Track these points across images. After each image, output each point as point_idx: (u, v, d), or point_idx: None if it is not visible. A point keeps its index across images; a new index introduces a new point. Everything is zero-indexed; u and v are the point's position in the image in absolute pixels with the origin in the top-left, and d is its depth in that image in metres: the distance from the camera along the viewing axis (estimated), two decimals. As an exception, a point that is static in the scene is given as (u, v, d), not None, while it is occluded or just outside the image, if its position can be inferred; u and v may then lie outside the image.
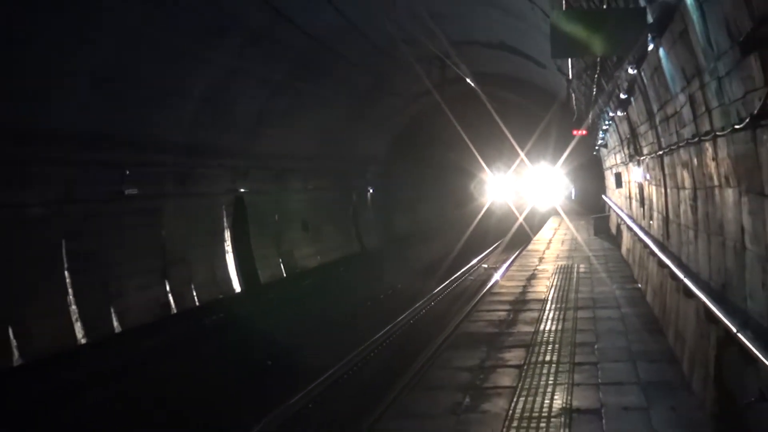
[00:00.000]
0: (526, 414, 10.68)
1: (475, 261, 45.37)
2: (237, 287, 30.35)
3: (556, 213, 52.02)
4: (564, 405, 11.00)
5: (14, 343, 19.03)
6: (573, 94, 28.38)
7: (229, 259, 30.47)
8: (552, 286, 22.59)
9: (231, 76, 26.50)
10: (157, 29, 21.55)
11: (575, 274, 25.15)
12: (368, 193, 48.39)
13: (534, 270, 27.36)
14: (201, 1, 20.46)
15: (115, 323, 22.72)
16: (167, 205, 26.28)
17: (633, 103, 16.44)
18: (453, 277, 39.90)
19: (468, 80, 32.15)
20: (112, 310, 22.74)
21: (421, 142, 49.11)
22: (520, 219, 50.16)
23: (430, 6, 25.70)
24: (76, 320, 21.32)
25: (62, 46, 19.40)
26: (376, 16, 26.16)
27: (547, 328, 16.67)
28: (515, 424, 10.13)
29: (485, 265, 43.95)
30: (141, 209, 24.74)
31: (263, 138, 32.00)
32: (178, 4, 20.69)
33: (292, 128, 34.25)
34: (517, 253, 36.06)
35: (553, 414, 10.61)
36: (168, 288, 25.86)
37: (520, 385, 12.20)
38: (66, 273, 21.24)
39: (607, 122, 23.82)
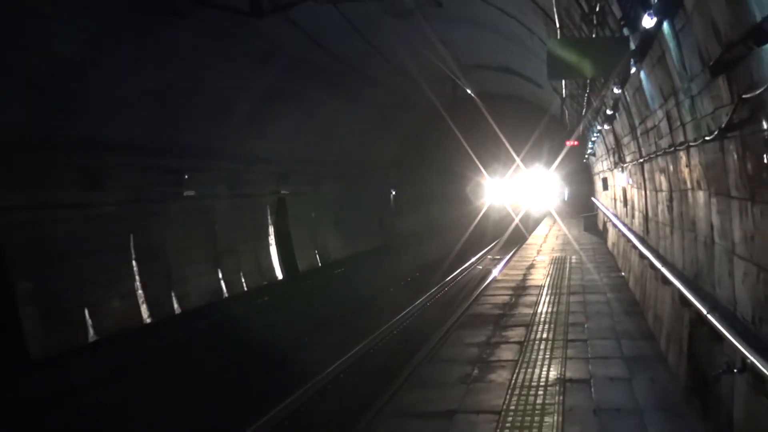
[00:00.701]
0: (526, 383, 10.71)
1: (480, 254, 45.29)
2: (279, 275, 30.44)
3: (550, 215, 51.10)
4: (559, 376, 11.02)
5: (89, 322, 19.14)
6: (566, 110, 28.32)
7: (272, 250, 30.62)
8: (548, 274, 22.56)
9: (273, 96, 26.61)
10: (214, 57, 21.68)
11: (568, 264, 25.13)
12: (391, 195, 48.53)
13: (533, 260, 27.35)
14: (251, 34, 20.53)
15: (176, 305, 22.86)
16: (219, 205, 26.43)
17: (618, 118, 16.41)
18: (462, 267, 40.13)
19: (473, 95, 32.11)
20: (172, 294, 22.86)
21: (427, 150, 49.05)
22: (516, 220, 49.57)
23: (442, 34, 25.70)
24: (142, 303, 21.46)
25: (137, 70, 19.56)
26: (396, 42, 26.18)
27: (544, 310, 16.68)
28: (517, 391, 10.16)
29: (490, 256, 43.97)
30: (197, 208, 24.88)
31: (300, 147, 32.11)
32: (234, 36, 20.81)
33: (325, 138, 34.40)
34: (518, 247, 35.98)
35: (549, 383, 10.63)
36: (220, 275, 25.99)
37: (521, 358, 12.22)
38: (134, 262, 21.40)
39: (595, 134, 23.76)
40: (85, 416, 15.67)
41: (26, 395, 15.65)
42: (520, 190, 62.61)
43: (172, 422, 15.89)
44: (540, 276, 22.55)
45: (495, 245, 47.04)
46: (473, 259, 43.71)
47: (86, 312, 19.00)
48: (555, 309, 16.74)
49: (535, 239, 37.94)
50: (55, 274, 18.23)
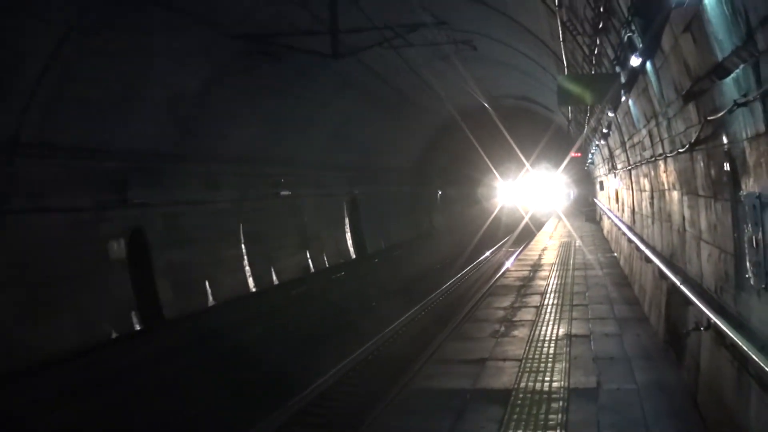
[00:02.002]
0: (541, 338, 10.71)
1: (501, 243, 44.47)
2: (353, 255, 30.92)
3: (557, 213, 48.52)
4: (566, 332, 11.00)
5: (209, 291, 19.47)
6: (571, 129, 28.09)
7: (348, 236, 31.05)
8: (558, 255, 22.47)
9: (348, 118, 26.90)
10: (301, 89, 21.91)
11: (573, 247, 24.99)
12: (438, 194, 48.53)
13: (546, 245, 27.23)
14: (330, 71, 20.76)
15: (274, 278, 23.12)
16: (307, 202, 26.74)
17: (611, 135, 16.29)
18: (491, 251, 39.96)
19: (495, 119, 32.00)
20: (272, 269, 23.12)
21: (458, 160, 48.46)
22: (526, 218, 47.58)
23: (475, 72, 25.69)
24: (249, 276, 21.76)
25: (243, 100, 19.85)
26: (440, 78, 26.23)
27: (554, 282, 16.64)
28: (534, 344, 10.20)
29: (510, 242, 43.51)
30: (290, 204, 25.18)
31: (371, 157, 32.65)
32: (317, 73, 21.04)
33: (390, 152, 34.86)
34: (534, 236, 35.58)
35: (559, 338, 10.63)
36: (308, 255, 26.27)
37: (537, 319, 12.23)
38: (242, 245, 21.70)
39: (594, 147, 23.56)
40: (210, 357, 15.91)
41: (162, 344, 15.95)
42: (529, 192, 59.97)
43: (289, 352, 16.66)
44: (552, 255, 22.47)
45: (514, 235, 45.93)
46: (496, 246, 43.07)
47: (206, 283, 19.34)
48: (562, 281, 16.70)
49: (547, 228, 37.77)
50: (182, 254, 18.59)
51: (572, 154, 33.07)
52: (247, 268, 21.96)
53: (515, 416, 7.09)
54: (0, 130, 12.56)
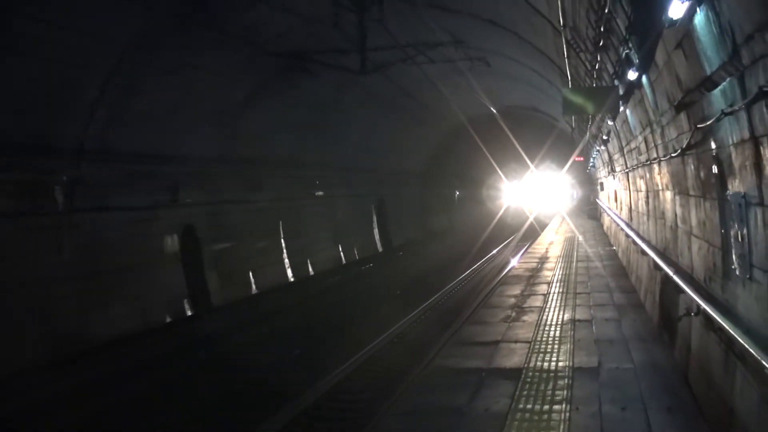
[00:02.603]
0: (549, 322, 10.68)
1: (510, 238, 42.98)
2: (380, 248, 31.14)
3: (561, 213, 45.07)
4: (570, 317, 10.94)
5: (253, 280, 19.69)
6: (574, 135, 27.92)
7: (375, 232, 31.20)
8: (563, 249, 22.35)
9: (373, 127, 26.99)
10: (333, 100, 22.04)
11: (576, 241, 24.83)
12: (456, 194, 48.42)
13: (552, 240, 27.09)
14: (358, 84, 20.85)
15: (310, 269, 23.41)
16: (339, 201, 26.86)
17: (611, 141, 16.20)
18: (502, 245, 39.24)
19: (504, 125, 31.78)
20: (308, 261, 23.34)
21: (467, 164, 47.89)
22: (531, 218, 44.50)
23: (488, 85, 25.63)
24: (287, 267, 21.96)
25: (281, 109, 19.99)
26: (456, 90, 26.28)
27: (560, 272, 16.56)
28: (542, 328, 10.17)
29: (519, 238, 42.78)
30: (324, 203, 25.38)
31: (391, 160, 32.66)
32: (346, 85, 21.12)
33: (406, 156, 34.95)
34: (540, 233, 35.00)
35: (564, 323, 10.59)
36: (340, 249, 26.43)
37: (545, 306, 12.20)
38: (282, 240, 21.85)
39: (595, 152, 23.43)
40: (255, 339, 16.07)
41: (212, 327, 16.11)
42: (534, 193, 56.98)
43: (328, 333, 16.64)
44: (558, 249, 22.33)
45: (521, 232, 43.64)
46: (506, 241, 41.86)
47: (250, 274, 19.54)
48: (567, 272, 16.61)
49: (552, 225, 37.49)
50: (229, 248, 18.79)
51: (575, 158, 32.86)
52: (286, 260, 22.14)
53: (525, 392, 7.11)
54: (68, 138, 12.79)
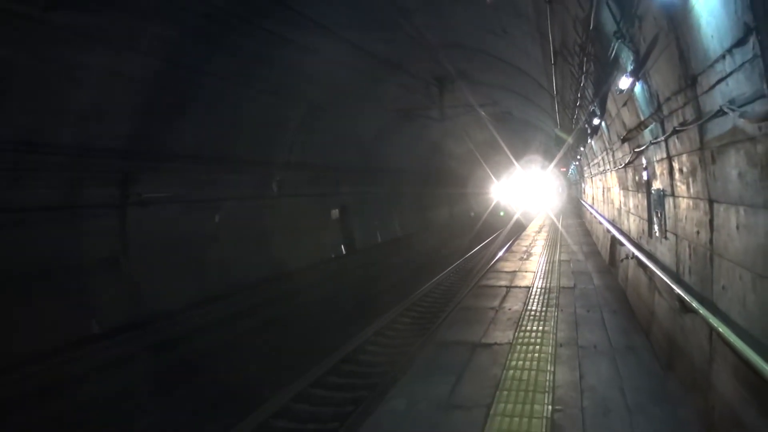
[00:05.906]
0: (546, 261, 10.54)
1: (501, 229, 29.20)
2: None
3: (546, 211, 31.11)
4: (558, 259, 10.69)
5: (378, 235, 19.52)
6: (560, 152, 26.48)
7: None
8: (548, 237, 20.06)
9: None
10: (421, 135, 21.60)
11: (559, 233, 22.77)
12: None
13: (540, 227, 26.07)
14: (439, 125, 19.25)
15: (403, 231, 22.04)
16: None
17: (582, 159, 15.67)
18: (494, 235, 27.62)
19: (507, 150, 26.96)
20: (402, 226, 22.30)
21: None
22: (517, 214, 33.05)
23: (507, 126, 24.30)
24: (398, 228, 21.19)
25: (404, 142, 19.81)
26: (484, 129, 25.12)
27: (545, 258, 15.86)
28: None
29: (509, 229, 29.34)
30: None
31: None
32: (432, 126, 20.17)
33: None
34: (527, 225, 25.59)
35: (554, 261, 10.44)
36: (417, 220, 24.90)
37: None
38: (394, 214, 20.91)
39: (573, 165, 22.44)
40: (386, 264, 16.01)
41: (357, 260, 16.23)
42: (522, 192, 39.39)
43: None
44: (544, 234, 20.30)
45: (509, 225, 29.96)
46: (504, 228, 29.40)
47: (377, 232, 18.97)
48: (551, 251, 15.99)
49: (538, 220, 32.23)
50: (365, 218, 18.25)
51: (559, 168, 30.96)
52: (397, 225, 21.62)
53: (531, 299, 7.23)
54: (279, 156, 13.24)
